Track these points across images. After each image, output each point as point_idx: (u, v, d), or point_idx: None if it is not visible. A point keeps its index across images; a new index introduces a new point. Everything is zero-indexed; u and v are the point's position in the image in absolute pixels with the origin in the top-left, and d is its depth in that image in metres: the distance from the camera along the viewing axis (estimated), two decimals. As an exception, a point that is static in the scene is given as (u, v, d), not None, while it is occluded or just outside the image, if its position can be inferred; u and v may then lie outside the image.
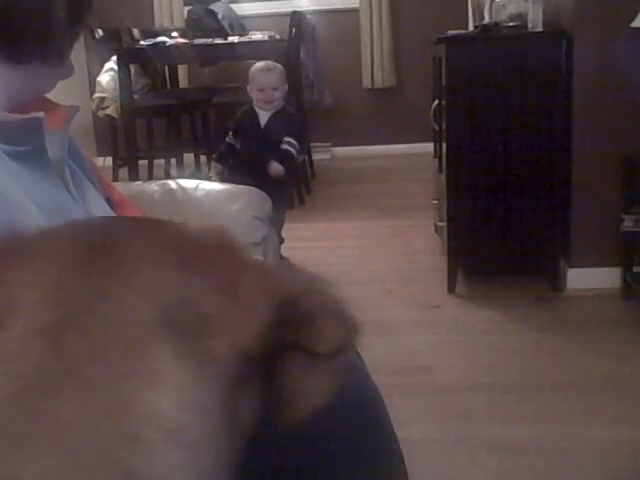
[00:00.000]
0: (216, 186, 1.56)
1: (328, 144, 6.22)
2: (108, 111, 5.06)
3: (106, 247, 0.48)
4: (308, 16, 5.50)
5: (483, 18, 3.61)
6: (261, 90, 3.27)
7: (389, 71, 6.10)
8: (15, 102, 0.87)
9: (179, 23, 5.89)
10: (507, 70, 2.89)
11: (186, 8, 5.85)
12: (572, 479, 1.87)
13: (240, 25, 5.22)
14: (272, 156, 3.25)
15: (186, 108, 5.30)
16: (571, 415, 2.14)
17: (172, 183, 1.54)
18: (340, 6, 6.16)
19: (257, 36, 4.93)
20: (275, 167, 3.25)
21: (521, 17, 3.10)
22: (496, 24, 3.12)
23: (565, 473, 1.89)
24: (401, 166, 5.62)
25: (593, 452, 1.96)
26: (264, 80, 3.29)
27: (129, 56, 4.76)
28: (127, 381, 0.41)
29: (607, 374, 2.36)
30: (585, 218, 2.95)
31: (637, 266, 2.85)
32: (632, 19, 2.58)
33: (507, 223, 3.00)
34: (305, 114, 5.29)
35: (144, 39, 4.98)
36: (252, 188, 1.58)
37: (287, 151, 3.30)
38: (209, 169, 5.30)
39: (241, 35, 4.94)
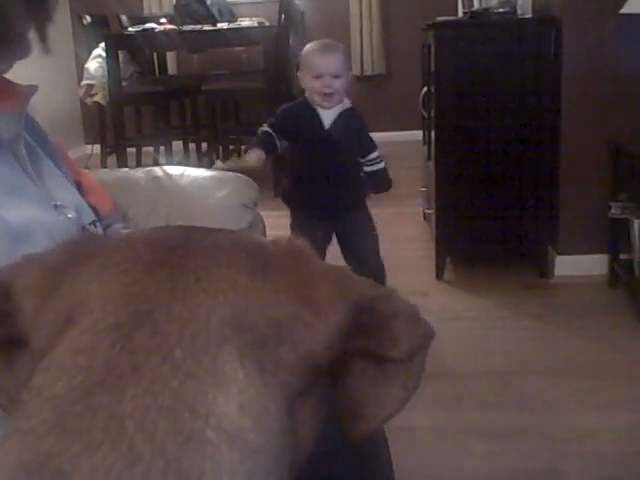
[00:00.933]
0: (202, 173, 1.55)
1: (317, 131, 6.20)
2: (96, 98, 5.02)
3: (183, 250, 0.48)
4: (297, 2, 5.47)
5: (472, 4, 3.59)
6: (318, 77, 2.42)
7: (378, 58, 6.08)
8: None
9: (167, 9, 5.84)
10: (496, 57, 2.88)
11: (175, -6, 5.82)
12: (559, 464, 1.88)
13: (229, 11, 5.18)
14: (349, 176, 2.55)
15: (175, 95, 5.27)
16: (558, 401, 2.15)
17: (158, 170, 1.53)
18: (330, -8, 6.13)
19: (246, 22, 4.90)
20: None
21: (510, 3, 3.09)
22: (485, 10, 3.11)
23: (552, 458, 1.90)
24: (390, 153, 5.56)
25: (580, 437, 1.97)
26: (322, 64, 2.44)
27: (117, 43, 4.73)
28: (192, 380, 0.42)
29: (594, 360, 2.38)
30: (573, 205, 2.95)
31: (624, 253, 2.86)
32: (621, 6, 2.58)
33: (495, 210, 3.00)
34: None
35: (132, 25, 4.94)
36: (238, 174, 1.57)
37: (378, 171, 2.62)
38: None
39: (230, 21, 4.91)
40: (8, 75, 0.90)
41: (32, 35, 0.86)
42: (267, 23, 4.88)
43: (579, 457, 1.88)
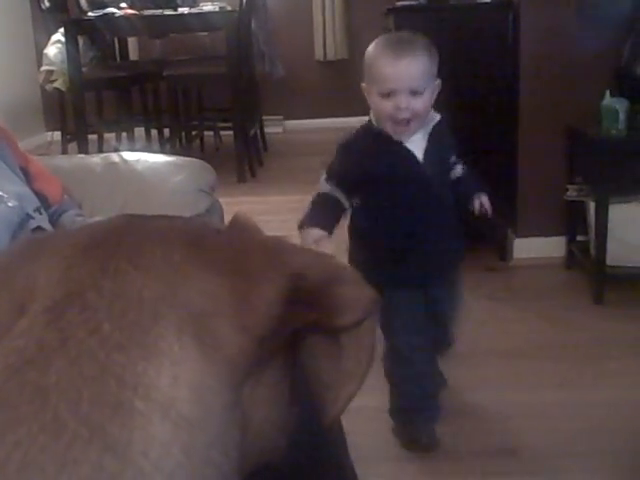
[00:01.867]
0: (159, 158, 1.55)
1: (280, 117, 6.19)
2: (56, 84, 4.96)
3: (118, 233, 0.50)
4: (259, -13, 5.45)
5: (432, -11, 3.61)
6: (389, 95, 1.68)
7: (341, 43, 6.08)
8: None
9: (128, -6, 5.78)
10: (455, 41, 2.90)
11: (135, -22, 5.75)
12: (522, 441, 1.92)
13: (190, -4, 5.14)
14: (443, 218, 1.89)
15: (136, 81, 5.22)
16: (519, 380, 2.19)
17: (114, 156, 1.53)
18: (292, -24, 6.11)
19: (208, 7, 4.86)
20: (484, 201, 1.94)
21: (469, -12, 3.12)
22: (445, -5, 3.13)
23: (515, 435, 1.94)
24: (354, 138, 5.62)
25: (541, 415, 2.01)
26: (394, 76, 1.67)
27: (77, 27, 4.67)
28: (120, 352, 0.42)
29: (552, 341, 2.42)
30: (531, 189, 2.99)
31: (581, 235, 2.91)
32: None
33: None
34: (257, 86, 5.26)
35: (92, 10, 4.87)
36: (195, 159, 1.57)
37: (465, 173, 1.97)
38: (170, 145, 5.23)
39: (191, 6, 4.86)
40: None
41: None
42: (229, 8, 4.84)
43: (535, 435, 1.92)
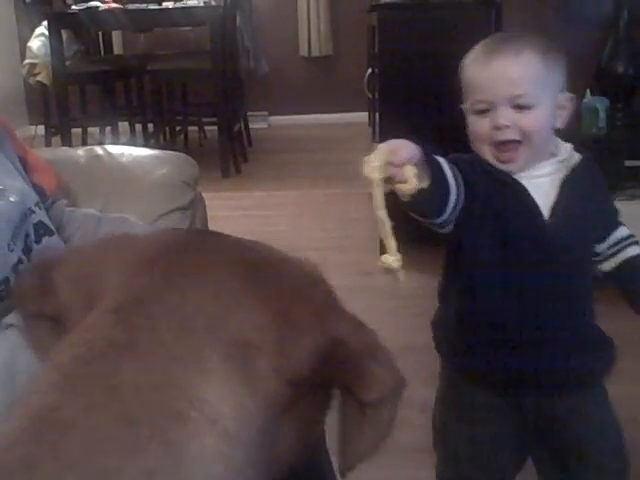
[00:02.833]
0: (143, 151, 1.56)
1: (265, 113, 6.20)
2: (39, 77, 4.94)
3: (183, 249, 0.56)
4: (244, -18, 5.45)
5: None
6: (482, 112, 1.23)
7: (326, 39, 6.09)
8: None
9: (112, -13, 5.76)
10: (439, 38, 2.92)
11: (119, -28, 5.73)
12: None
13: (175, -10, 5.14)
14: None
15: (120, 75, 5.21)
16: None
17: (98, 149, 1.53)
18: (277, -28, 6.11)
19: (192, 1, 4.86)
20: None
21: (452, -14, 3.13)
22: (428, -7, 3.15)
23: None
24: (337, 135, 5.63)
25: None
26: (487, 80, 1.23)
27: (60, 21, 4.65)
28: (180, 363, 0.48)
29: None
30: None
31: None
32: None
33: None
34: (241, 82, 5.26)
35: (76, 3, 4.86)
36: (179, 153, 1.59)
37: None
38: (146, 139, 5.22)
39: (176, 1, 4.86)
40: None
41: None
42: (213, 3, 4.84)
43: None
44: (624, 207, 1.41)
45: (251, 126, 5.51)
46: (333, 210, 3.90)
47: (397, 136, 1.18)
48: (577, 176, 1.23)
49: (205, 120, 5.27)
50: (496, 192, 1.21)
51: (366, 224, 3.55)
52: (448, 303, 1.34)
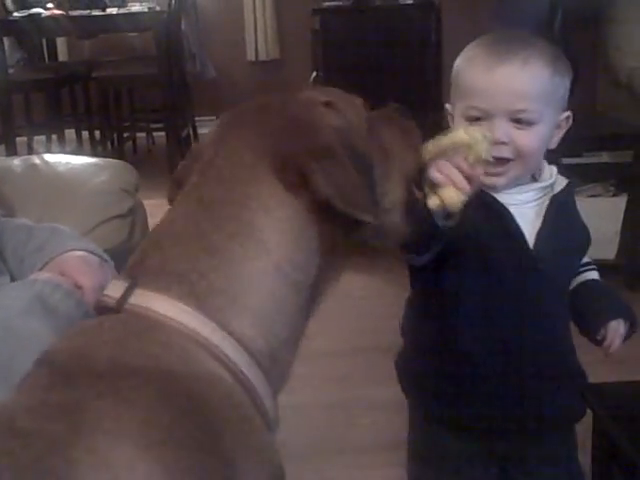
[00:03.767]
0: (81, 160, 1.56)
1: (213, 117, 6.17)
2: (-18, 86, 4.86)
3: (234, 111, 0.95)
4: (189, -13, 5.43)
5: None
6: (475, 119, 1.12)
7: (273, 43, 6.09)
8: None
9: (55, -6, 5.69)
10: (380, 40, 2.97)
11: (62, -22, 5.66)
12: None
13: (119, -4, 5.10)
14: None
15: (66, 82, 5.14)
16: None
17: (35, 158, 1.53)
18: (222, -24, 6.10)
19: (136, 7, 4.84)
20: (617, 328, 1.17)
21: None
22: (370, -4, 3.18)
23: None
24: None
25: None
26: (490, 89, 1.11)
27: (1, 28, 4.60)
28: (238, 184, 0.82)
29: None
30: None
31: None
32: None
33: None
34: (188, 87, 5.25)
35: (17, 10, 4.79)
36: (118, 160, 1.59)
37: (601, 286, 1.27)
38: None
39: (120, 6, 4.83)
40: None
41: None
42: (158, 8, 4.83)
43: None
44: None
45: (199, 131, 5.49)
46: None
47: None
48: (562, 203, 1.17)
49: (153, 126, 5.24)
50: (482, 217, 1.10)
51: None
52: (418, 342, 1.28)
